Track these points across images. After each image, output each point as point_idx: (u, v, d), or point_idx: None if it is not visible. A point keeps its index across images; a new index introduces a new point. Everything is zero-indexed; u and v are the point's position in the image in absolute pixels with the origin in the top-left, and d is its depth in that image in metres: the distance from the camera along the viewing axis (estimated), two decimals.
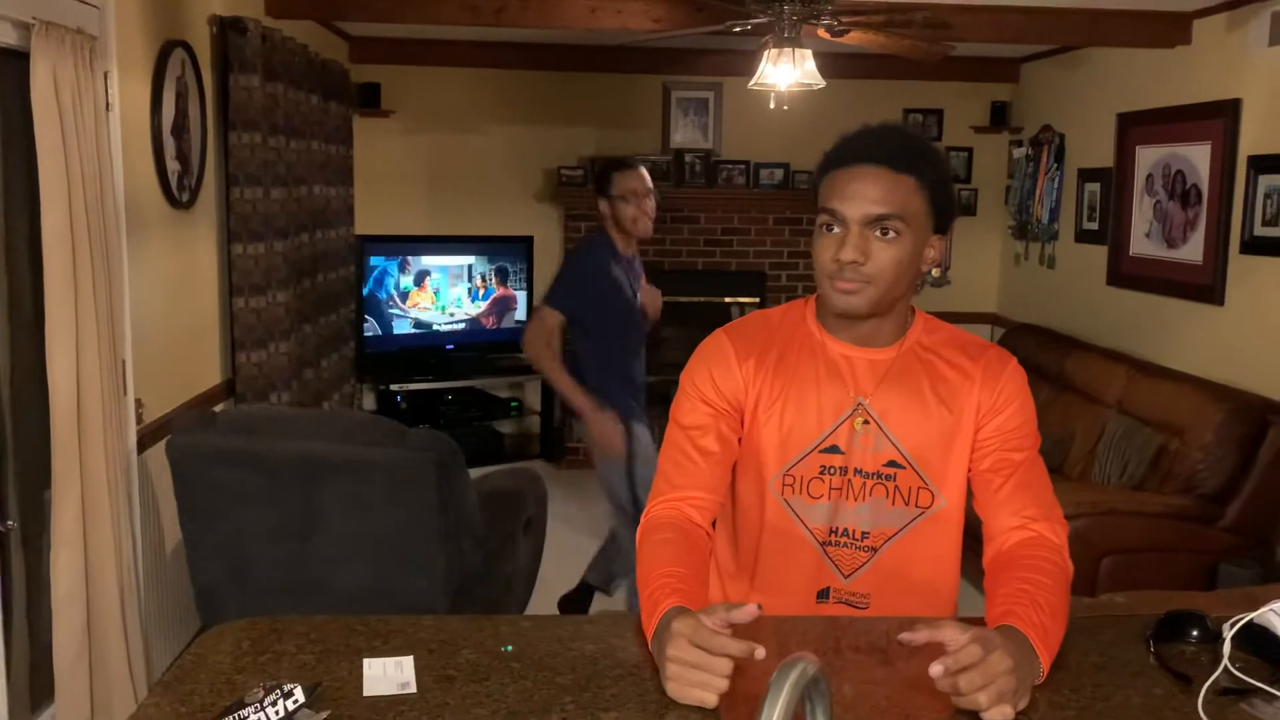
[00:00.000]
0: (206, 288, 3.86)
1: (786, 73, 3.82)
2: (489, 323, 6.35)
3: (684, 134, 6.57)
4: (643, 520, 1.56)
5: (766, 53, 3.86)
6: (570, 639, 1.43)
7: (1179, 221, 4.80)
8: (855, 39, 3.91)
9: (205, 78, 3.73)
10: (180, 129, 3.50)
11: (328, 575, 3.03)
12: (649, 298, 3.85)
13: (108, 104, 2.96)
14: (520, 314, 6.34)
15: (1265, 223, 4.21)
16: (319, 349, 4.96)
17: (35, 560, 2.93)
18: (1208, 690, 1.30)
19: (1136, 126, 5.15)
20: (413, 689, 1.29)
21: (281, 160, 4.29)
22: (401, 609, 2.98)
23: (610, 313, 3.67)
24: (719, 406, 1.57)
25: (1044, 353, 5.36)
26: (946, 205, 1.52)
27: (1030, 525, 1.52)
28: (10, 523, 2.78)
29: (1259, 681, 1.33)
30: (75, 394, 2.68)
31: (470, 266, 6.30)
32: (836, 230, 1.48)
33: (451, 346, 6.28)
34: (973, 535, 1.61)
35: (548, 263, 6.07)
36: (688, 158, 6.48)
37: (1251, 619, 1.39)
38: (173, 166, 3.44)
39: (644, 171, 3.67)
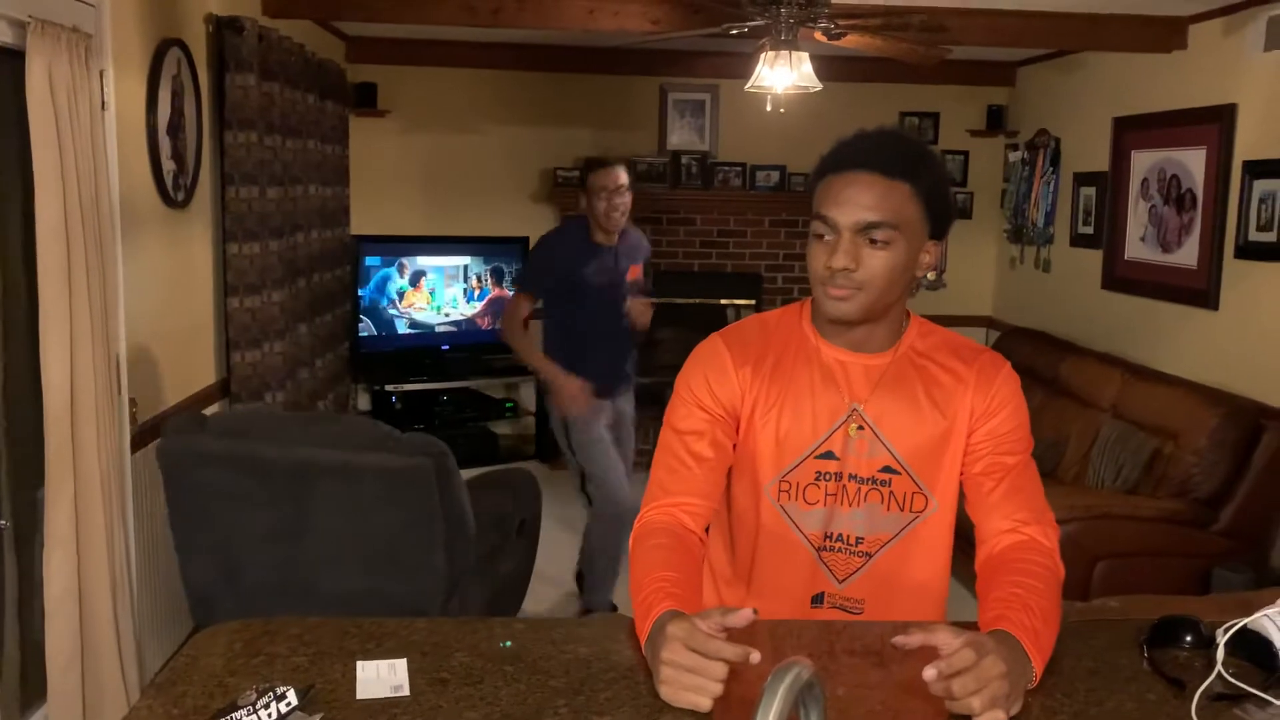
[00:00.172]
0: (201, 287, 3.85)
1: (783, 75, 3.82)
2: (484, 323, 6.34)
3: (680, 136, 6.57)
4: (636, 525, 1.56)
5: (763, 55, 3.86)
6: (564, 642, 1.43)
7: (1174, 226, 4.81)
8: (852, 42, 3.92)
9: (201, 77, 3.72)
10: (176, 128, 3.49)
11: (320, 577, 3.03)
12: (636, 310, 3.99)
13: (103, 103, 2.95)
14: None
15: (1260, 228, 4.22)
16: (314, 349, 4.95)
17: (27, 560, 2.92)
18: (1201, 696, 1.31)
19: (1132, 131, 5.16)
20: (406, 692, 1.29)
21: (277, 160, 4.28)
22: (394, 611, 2.97)
23: (572, 295, 3.90)
24: (715, 412, 1.57)
25: (1039, 356, 5.36)
26: (943, 211, 1.52)
27: (1022, 529, 1.52)
28: (3, 522, 2.78)
29: (1252, 687, 1.33)
30: (69, 393, 2.67)
31: (466, 267, 6.30)
32: (829, 237, 1.48)
33: (447, 347, 6.28)
34: (964, 537, 1.62)
35: None
36: (684, 159, 6.49)
37: (1245, 624, 1.40)
38: (168, 165, 3.44)
39: (618, 171, 3.85)
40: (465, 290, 6.31)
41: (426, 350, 6.24)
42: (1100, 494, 4.31)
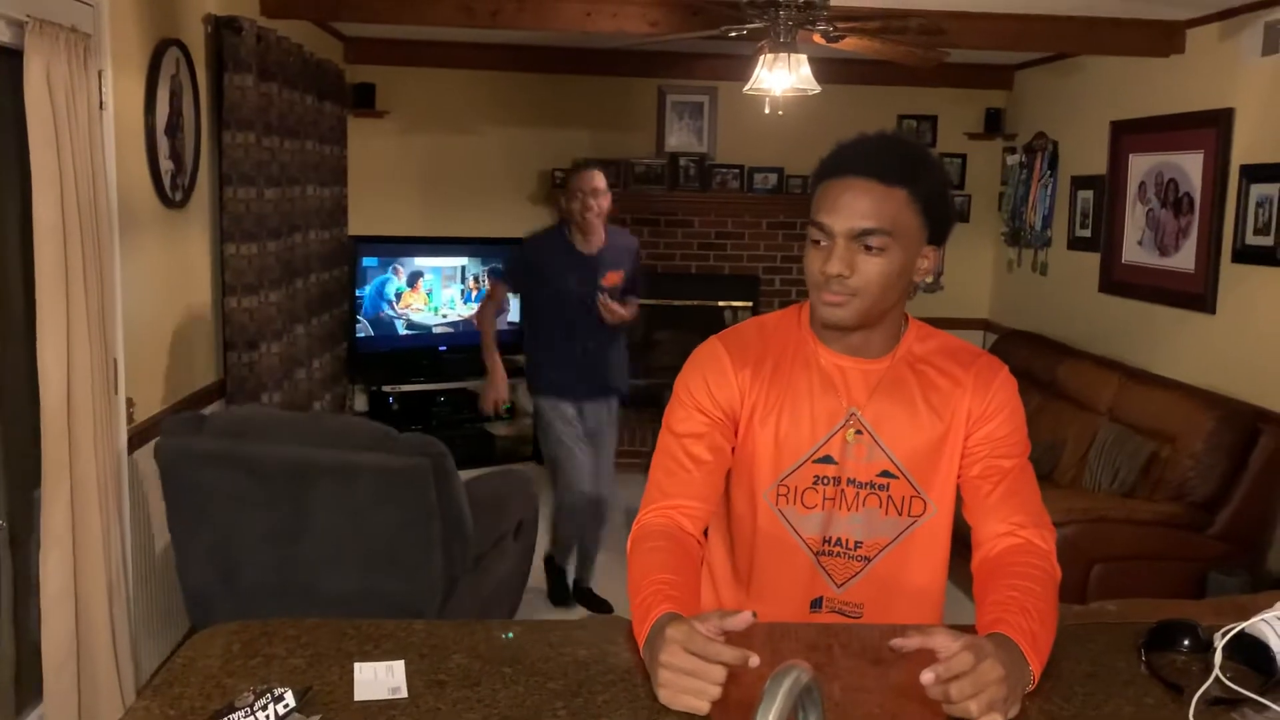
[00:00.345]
0: (199, 287, 3.85)
1: (782, 78, 3.82)
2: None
3: (678, 138, 6.57)
4: (634, 528, 1.56)
5: (762, 57, 3.86)
6: (562, 644, 1.43)
7: (1171, 230, 4.81)
8: (851, 45, 3.92)
9: (200, 77, 3.72)
10: (174, 128, 3.49)
11: (317, 578, 3.02)
12: (605, 307, 4.06)
13: (101, 102, 2.94)
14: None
15: (1257, 231, 4.23)
16: (311, 349, 4.95)
17: (23, 560, 2.91)
18: (1199, 700, 1.31)
19: (1130, 134, 5.17)
20: (404, 694, 1.29)
21: (275, 160, 4.28)
22: (391, 612, 2.97)
23: (542, 293, 4.13)
24: (714, 415, 1.57)
25: (1036, 359, 5.37)
26: (942, 216, 1.51)
27: (1019, 532, 1.53)
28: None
29: (1250, 691, 1.33)
30: (66, 393, 2.67)
31: (463, 268, 6.29)
32: (825, 243, 1.48)
33: (444, 348, 6.27)
34: (960, 540, 1.62)
35: None
36: (682, 161, 6.49)
37: (1243, 629, 1.40)
38: (166, 165, 3.43)
39: (594, 174, 4.05)
40: (463, 291, 6.30)
41: (424, 351, 6.24)
42: (1097, 497, 4.31)
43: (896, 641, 1.30)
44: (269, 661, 1.36)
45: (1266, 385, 4.17)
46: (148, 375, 3.34)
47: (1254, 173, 4.26)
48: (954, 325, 6.24)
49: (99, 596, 2.82)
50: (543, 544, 4.32)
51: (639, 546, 1.50)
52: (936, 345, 1.60)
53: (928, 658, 1.25)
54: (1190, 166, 4.67)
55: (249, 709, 1.19)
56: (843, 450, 1.56)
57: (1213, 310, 4.52)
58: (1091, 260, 5.49)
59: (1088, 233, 5.57)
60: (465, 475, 3.21)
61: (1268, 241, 4.16)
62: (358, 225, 6.16)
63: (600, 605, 4.34)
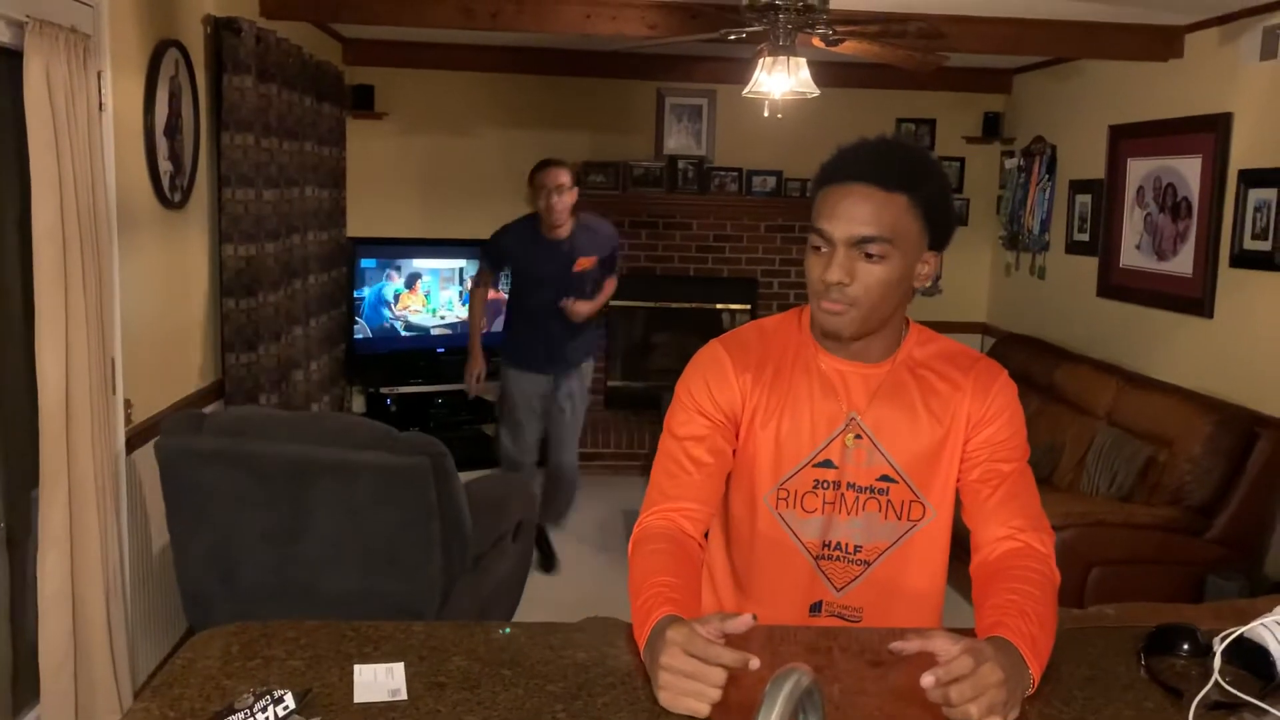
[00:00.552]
0: (197, 288, 3.84)
1: (781, 81, 3.83)
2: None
3: (677, 140, 6.57)
4: (635, 530, 1.56)
5: (761, 60, 3.87)
6: (561, 646, 1.43)
7: (1169, 234, 4.82)
8: (850, 48, 3.92)
9: (199, 78, 3.72)
10: (173, 129, 3.49)
11: (316, 579, 3.02)
12: (570, 306, 4.46)
13: (101, 103, 2.94)
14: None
15: (1255, 236, 4.24)
16: (309, 351, 4.94)
17: (20, 560, 2.91)
18: (1198, 704, 1.31)
19: (1128, 139, 5.18)
20: (403, 696, 1.29)
21: (274, 161, 4.28)
22: (390, 613, 2.97)
23: (521, 281, 4.60)
24: (715, 418, 1.57)
25: (1034, 363, 5.37)
26: (943, 222, 1.51)
27: (1018, 535, 1.52)
28: None
29: (1249, 696, 1.33)
30: (64, 393, 2.67)
31: (462, 270, 6.29)
32: (825, 249, 1.48)
33: (442, 350, 6.26)
34: (959, 544, 1.62)
35: None
36: (681, 164, 6.49)
37: (1242, 633, 1.40)
38: (165, 166, 3.43)
39: (557, 171, 4.39)
40: (461, 293, 6.30)
41: (422, 353, 6.23)
42: (1095, 501, 4.32)
43: (896, 645, 1.30)
44: (268, 663, 1.36)
45: (1264, 390, 4.18)
46: (146, 376, 3.34)
47: (1252, 177, 4.26)
48: (952, 329, 6.25)
49: (97, 597, 2.82)
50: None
51: (640, 549, 1.50)
52: (936, 350, 1.60)
53: (927, 661, 1.25)
54: (1188, 171, 4.68)
55: (249, 711, 1.19)
56: (842, 454, 1.56)
57: (1210, 315, 4.53)
58: (1089, 264, 5.50)
59: (1086, 237, 5.57)
60: (464, 477, 3.21)
61: (1265, 246, 4.16)
62: (356, 227, 6.16)
63: (548, 556, 4.80)
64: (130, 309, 3.19)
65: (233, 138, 3.86)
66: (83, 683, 2.82)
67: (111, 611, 2.89)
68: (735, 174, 6.53)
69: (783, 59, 3.79)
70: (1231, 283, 4.41)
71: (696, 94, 6.54)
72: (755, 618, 1.29)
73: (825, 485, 1.57)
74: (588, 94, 6.49)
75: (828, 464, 1.56)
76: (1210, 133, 4.50)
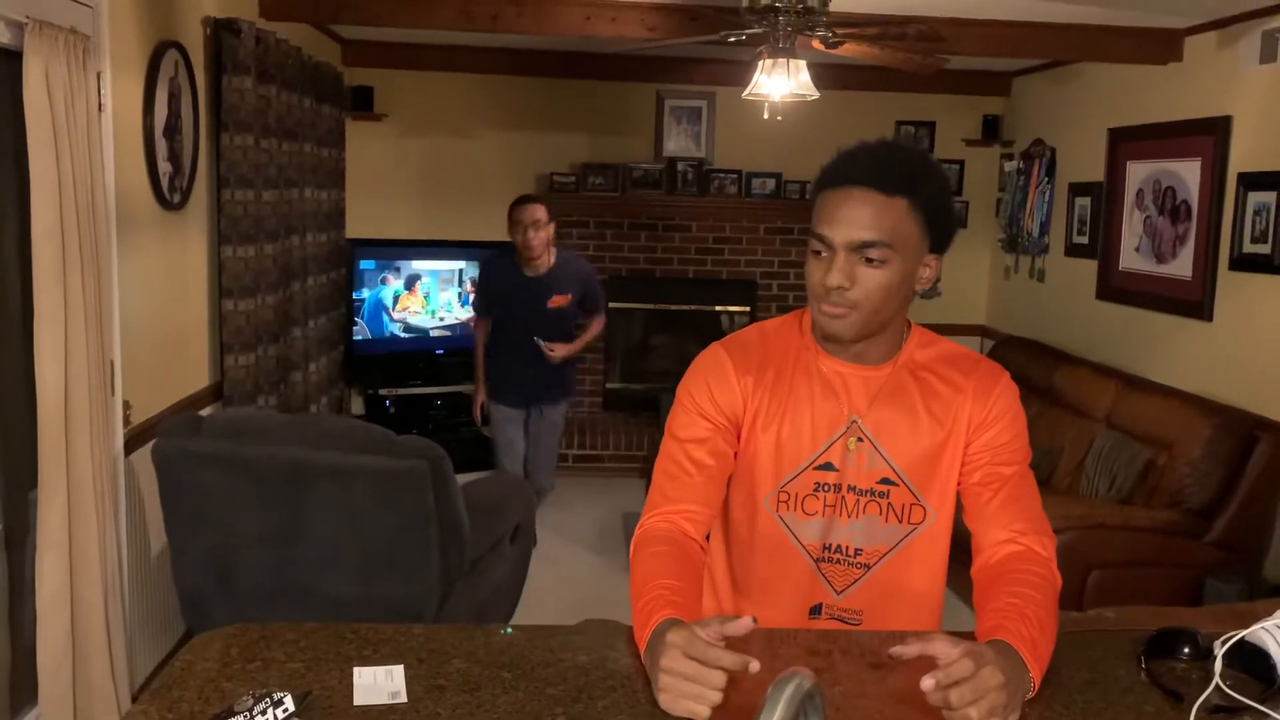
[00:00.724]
0: (196, 290, 3.84)
1: (781, 83, 3.82)
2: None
3: (676, 142, 6.57)
4: (637, 532, 1.56)
5: (761, 63, 3.86)
6: (561, 649, 1.43)
7: (1169, 237, 4.82)
8: (849, 51, 3.92)
9: (198, 79, 3.71)
10: (172, 130, 3.49)
11: (314, 581, 3.02)
12: (546, 348, 4.61)
13: (100, 104, 2.94)
14: None
15: (1254, 239, 4.24)
16: (307, 352, 4.94)
17: (18, 562, 2.90)
18: (1199, 708, 1.30)
19: (1127, 142, 5.18)
20: (403, 699, 1.28)
21: (273, 163, 4.27)
22: (388, 616, 2.96)
23: (501, 314, 4.72)
24: (717, 420, 1.57)
25: (1033, 366, 5.37)
26: (944, 225, 1.50)
27: (1019, 539, 1.52)
28: None
29: (1250, 700, 1.33)
30: (63, 394, 2.66)
31: (461, 271, 6.28)
32: (825, 254, 1.47)
33: (441, 351, 6.26)
34: (958, 547, 1.62)
35: None
36: (680, 166, 6.49)
37: (1243, 636, 1.40)
38: (164, 167, 3.43)
39: (534, 208, 4.51)
40: (460, 295, 6.29)
41: (420, 354, 6.23)
42: (1094, 504, 4.32)
43: (896, 649, 1.30)
44: (268, 665, 1.35)
45: (1263, 392, 4.18)
46: (144, 377, 3.33)
47: (1251, 180, 4.27)
48: (951, 331, 6.24)
49: (95, 599, 2.82)
50: (548, 558, 4.41)
51: (641, 551, 1.50)
52: (938, 352, 1.59)
53: (928, 663, 1.25)
54: (1188, 174, 4.68)
55: (248, 713, 1.18)
56: (843, 457, 1.55)
57: (1210, 318, 4.53)
58: (1089, 267, 5.50)
59: (1085, 239, 5.58)
60: (462, 479, 3.21)
61: (1265, 249, 4.16)
62: (355, 228, 6.15)
63: None
64: (129, 310, 3.18)
65: (232, 139, 3.85)
66: (81, 684, 2.81)
67: (110, 613, 2.89)
68: (735, 176, 6.53)
69: (782, 61, 3.79)
70: (1231, 286, 4.41)
71: (696, 96, 6.54)
72: (755, 620, 1.29)
73: (826, 488, 1.56)
74: (587, 96, 6.49)
75: (828, 466, 1.56)
76: (1210, 136, 4.50)
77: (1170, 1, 4.19)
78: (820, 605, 1.62)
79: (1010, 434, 1.56)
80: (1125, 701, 1.35)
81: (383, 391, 6.09)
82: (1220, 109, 4.47)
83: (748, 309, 6.68)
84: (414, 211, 6.45)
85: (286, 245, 4.52)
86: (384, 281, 6.07)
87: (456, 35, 5.61)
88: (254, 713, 1.19)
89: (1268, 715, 1.31)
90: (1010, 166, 6.40)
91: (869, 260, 1.45)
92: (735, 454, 1.59)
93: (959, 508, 1.60)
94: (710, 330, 6.66)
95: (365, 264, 5.99)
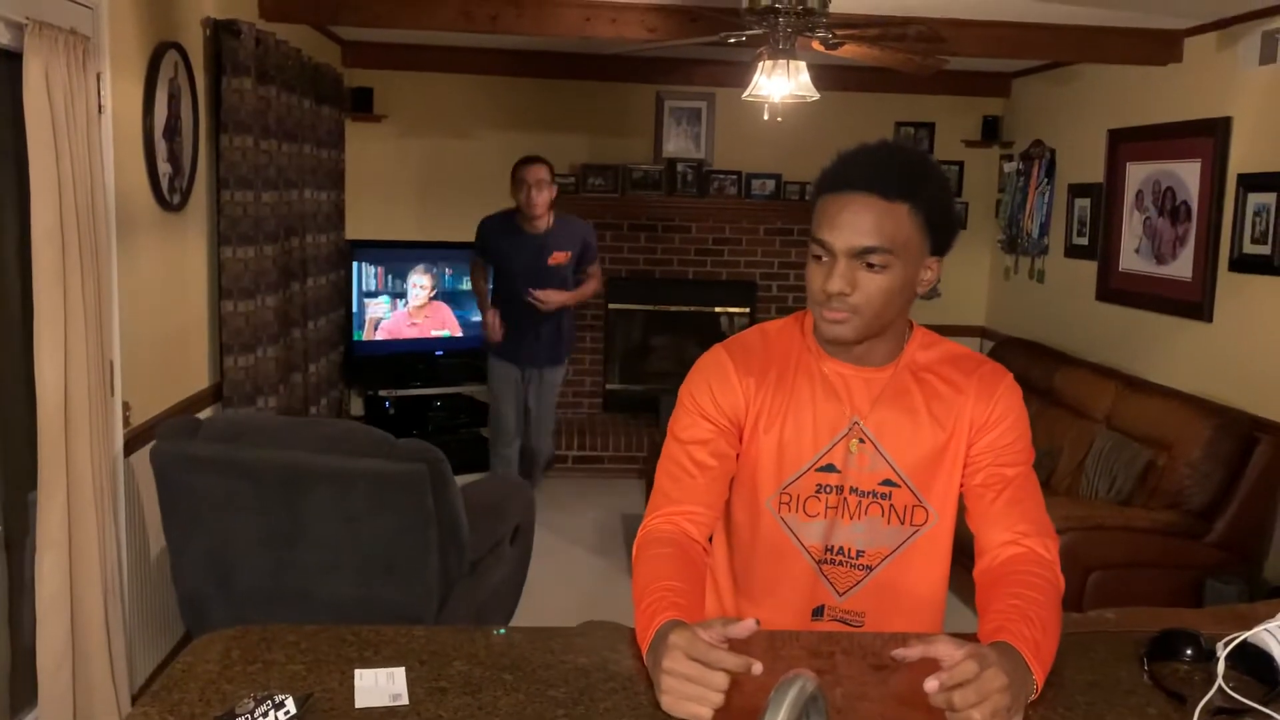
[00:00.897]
0: (195, 291, 3.84)
1: (781, 84, 3.82)
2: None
3: (676, 143, 6.57)
4: (640, 533, 1.55)
5: (761, 64, 3.86)
6: (563, 651, 1.42)
7: (1168, 238, 4.82)
8: (849, 52, 3.92)
9: (198, 80, 3.71)
10: (172, 131, 3.48)
11: (313, 584, 3.01)
12: (540, 294, 4.74)
13: (100, 105, 2.94)
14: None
15: (1254, 240, 4.24)
16: (307, 354, 4.94)
17: (18, 563, 2.90)
18: (1202, 710, 1.30)
19: (1127, 143, 5.18)
20: (405, 701, 1.28)
21: (273, 164, 4.27)
22: (387, 618, 2.96)
23: (500, 270, 4.89)
24: (719, 422, 1.56)
25: (1033, 367, 5.37)
26: (946, 227, 1.50)
27: (1022, 541, 1.52)
28: None
29: (1253, 701, 1.33)
30: (62, 395, 2.66)
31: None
32: (826, 259, 1.47)
33: (440, 353, 6.26)
34: (959, 549, 1.61)
35: None
36: (680, 167, 6.49)
37: (1245, 638, 1.39)
38: (164, 168, 3.43)
39: (537, 167, 4.70)
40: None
41: (420, 356, 6.23)
42: (1094, 505, 4.31)
43: (899, 652, 1.30)
44: (269, 668, 1.35)
45: (1263, 393, 4.18)
46: (144, 379, 3.33)
47: (1251, 181, 4.27)
48: (950, 332, 6.21)
49: (94, 600, 2.81)
50: (548, 559, 4.38)
51: (644, 552, 1.50)
52: (940, 353, 1.59)
53: (930, 666, 1.24)
54: (1188, 175, 4.68)
55: (249, 716, 1.18)
56: (845, 459, 1.55)
57: (1210, 319, 4.53)
58: (1089, 268, 5.50)
59: (1085, 241, 5.58)
60: (461, 480, 3.20)
61: (1265, 250, 4.16)
62: (355, 229, 6.15)
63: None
64: (129, 311, 3.18)
65: (232, 140, 3.85)
66: (80, 685, 2.81)
67: (110, 614, 2.88)
68: (734, 177, 6.53)
69: (782, 62, 3.79)
70: (1231, 287, 4.41)
71: (696, 97, 6.54)
72: (758, 623, 1.29)
73: (828, 489, 1.56)
74: (587, 97, 6.48)
75: (830, 468, 1.55)
76: (1209, 137, 4.50)
77: (1170, 2, 4.19)
78: (822, 607, 1.62)
79: (1013, 435, 1.55)
80: (1128, 703, 1.34)
81: (382, 393, 6.09)
82: (1220, 110, 4.47)
83: (747, 310, 6.68)
84: (413, 212, 6.45)
85: (286, 246, 4.52)
86: (379, 283, 6.07)
87: (456, 36, 5.60)
88: (255, 715, 1.18)
89: (1270, 717, 1.30)
90: (1010, 167, 6.40)
91: (870, 266, 1.44)
92: (737, 455, 1.59)
93: (961, 509, 1.59)
94: (710, 331, 6.66)
95: (365, 265, 5.98)
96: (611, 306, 6.65)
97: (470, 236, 6.29)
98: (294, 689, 1.27)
